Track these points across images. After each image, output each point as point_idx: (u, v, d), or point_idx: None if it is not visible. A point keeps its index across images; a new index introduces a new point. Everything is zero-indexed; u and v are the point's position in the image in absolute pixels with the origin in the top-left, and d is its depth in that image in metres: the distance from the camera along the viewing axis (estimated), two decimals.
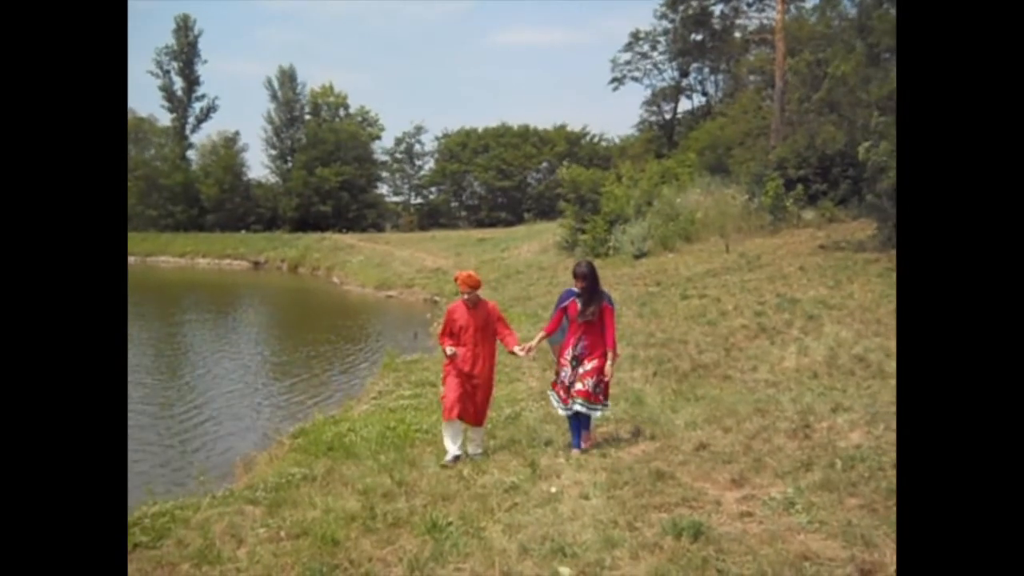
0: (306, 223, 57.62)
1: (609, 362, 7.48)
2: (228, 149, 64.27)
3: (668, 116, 62.25)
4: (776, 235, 22.64)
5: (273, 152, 65.24)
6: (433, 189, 66.65)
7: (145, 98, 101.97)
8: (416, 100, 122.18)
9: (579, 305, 7.42)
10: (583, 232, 26.97)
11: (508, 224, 52.60)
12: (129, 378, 15.75)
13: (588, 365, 7.40)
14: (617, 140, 62.96)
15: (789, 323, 12.44)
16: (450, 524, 5.64)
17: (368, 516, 6.09)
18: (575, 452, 7.31)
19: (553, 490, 6.35)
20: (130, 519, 6.52)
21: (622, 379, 10.34)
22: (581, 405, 7.36)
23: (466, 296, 7.59)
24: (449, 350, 7.57)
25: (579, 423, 7.45)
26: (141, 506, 6.92)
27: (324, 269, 42.06)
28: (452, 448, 7.50)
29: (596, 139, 63.83)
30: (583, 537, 5.24)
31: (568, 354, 7.50)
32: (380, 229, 59.31)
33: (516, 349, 7.57)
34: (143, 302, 30.78)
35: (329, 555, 5.44)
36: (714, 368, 10.60)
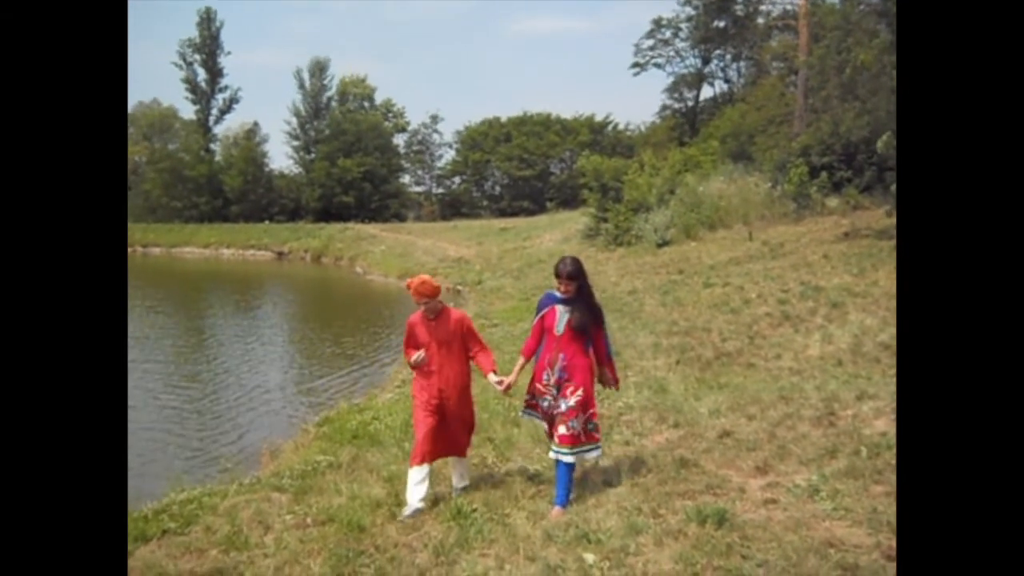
0: (329, 213, 57.83)
1: (595, 383, 6.04)
2: (249, 140, 64.63)
3: (690, 103, 62.11)
4: (800, 223, 22.47)
5: (296, 143, 65.57)
6: (455, 179, 66.67)
7: (169, 90, 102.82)
8: (438, 90, 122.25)
9: (560, 314, 5.88)
10: (605, 221, 26.89)
11: (530, 213, 52.46)
12: (155, 367, 15.96)
13: (572, 399, 5.79)
14: (640, 128, 62.79)
15: (813, 311, 12.37)
16: (475, 511, 5.68)
17: (393, 503, 6.16)
18: (556, 512, 5.67)
19: (577, 476, 6.37)
20: (158, 506, 6.65)
21: (645, 367, 10.34)
22: (568, 453, 5.77)
23: (423, 306, 6.25)
24: (415, 356, 6.24)
25: (566, 471, 5.80)
26: (169, 493, 7.02)
27: (347, 259, 42.19)
28: (412, 499, 6.09)
29: (620, 127, 63.64)
30: (607, 524, 5.26)
31: (547, 378, 5.90)
32: (402, 219, 59.42)
33: (492, 378, 6.20)
34: (170, 292, 31.11)
35: (355, 541, 5.51)
36: (737, 356, 10.56)
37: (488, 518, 5.65)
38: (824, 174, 23.16)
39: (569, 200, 51.49)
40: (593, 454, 5.95)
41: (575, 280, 5.85)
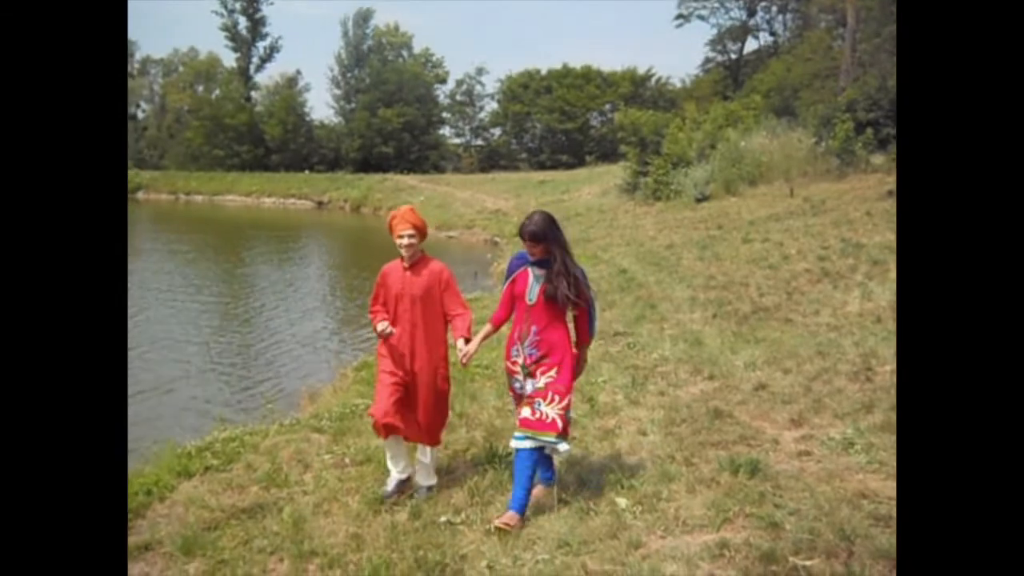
0: (368, 164, 57.94)
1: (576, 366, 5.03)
2: (290, 89, 64.77)
3: (734, 56, 61.07)
4: (843, 180, 22.09)
5: (338, 92, 65.63)
6: (494, 131, 66.31)
7: (209, 38, 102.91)
8: (478, 42, 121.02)
9: (532, 279, 4.90)
10: (644, 175, 26.66)
11: (569, 167, 52.10)
12: (200, 312, 16.28)
13: (542, 380, 4.85)
14: (684, 82, 61.92)
15: (853, 268, 12.22)
16: (509, 454, 5.78)
17: None
18: (508, 515, 4.72)
19: (611, 425, 6.44)
20: (202, 444, 6.82)
21: (681, 320, 10.33)
22: (524, 438, 4.83)
23: (404, 247, 5.24)
24: (381, 325, 5.28)
25: (525, 462, 4.80)
26: (213, 431, 7.20)
27: (386, 209, 42.14)
28: (394, 471, 5.46)
29: (662, 81, 62.75)
30: (640, 471, 5.33)
31: (515, 354, 4.97)
32: (441, 171, 59.36)
33: (460, 346, 5.15)
34: (213, 240, 31.48)
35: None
36: (775, 311, 10.49)
37: None
38: (869, 130, 22.68)
39: (608, 154, 51.04)
40: (562, 447, 4.88)
41: (541, 243, 4.83)
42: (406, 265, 5.31)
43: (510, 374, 5.08)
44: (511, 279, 5.03)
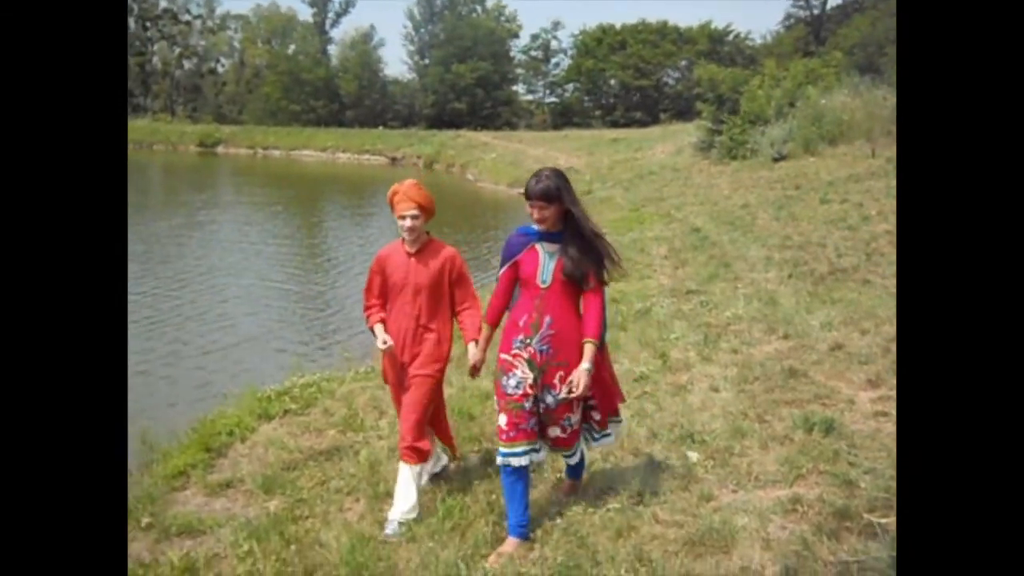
0: (441, 120, 58.14)
1: (585, 364, 3.90)
2: (365, 44, 65.10)
3: (816, 12, 59.28)
4: None
5: (411, 48, 65.83)
6: (567, 87, 65.67)
7: None
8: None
9: (544, 256, 4.05)
10: (719, 134, 26.18)
11: (643, 125, 51.37)
12: (282, 261, 16.68)
13: (564, 389, 3.96)
14: (762, 39, 60.46)
15: None
16: None
17: None
18: (510, 543, 3.99)
19: (683, 381, 6.43)
20: (280, 388, 7.02)
21: (756, 280, 10.20)
22: (571, 454, 4.33)
23: (406, 229, 4.49)
24: (378, 332, 4.59)
25: (526, 477, 4.09)
26: (292, 376, 7.40)
27: (458, 166, 42.45)
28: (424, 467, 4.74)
29: (740, 37, 61.25)
30: (712, 426, 5.33)
31: (520, 347, 4.05)
32: (513, 127, 59.25)
33: (471, 351, 4.46)
34: (297, 193, 32.03)
35: (465, 428, 5.74)
36: (853, 272, 10.27)
37: None
38: None
39: (684, 112, 50.30)
40: (611, 437, 4.40)
41: (552, 203, 3.95)
42: (410, 250, 4.57)
43: (506, 370, 4.07)
44: (511, 262, 4.16)
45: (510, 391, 4.03)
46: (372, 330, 4.67)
